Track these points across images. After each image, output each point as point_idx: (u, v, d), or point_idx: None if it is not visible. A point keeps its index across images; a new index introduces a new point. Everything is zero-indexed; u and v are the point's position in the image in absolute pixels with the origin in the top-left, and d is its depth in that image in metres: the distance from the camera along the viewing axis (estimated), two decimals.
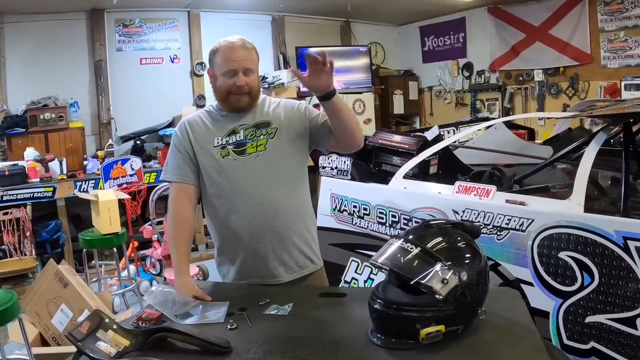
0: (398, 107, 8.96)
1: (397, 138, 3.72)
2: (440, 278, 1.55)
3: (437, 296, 1.53)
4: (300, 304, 1.92)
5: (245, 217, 2.19)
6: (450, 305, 1.54)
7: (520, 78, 7.79)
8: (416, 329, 1.53)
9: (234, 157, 2.20)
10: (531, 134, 5.09)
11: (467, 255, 1.65)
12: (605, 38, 6.76)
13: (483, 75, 8.26)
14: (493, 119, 6.23)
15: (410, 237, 1.69)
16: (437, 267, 1.57)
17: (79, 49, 6.79)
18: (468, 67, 8.47)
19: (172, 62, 7.37)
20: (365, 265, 3.44)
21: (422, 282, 1.55)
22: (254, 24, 7.84)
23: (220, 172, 2.20)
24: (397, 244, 1.67)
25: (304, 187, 2.34)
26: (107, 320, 1.66)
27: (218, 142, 2.23)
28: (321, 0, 7.45)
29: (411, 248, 1.63)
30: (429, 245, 1.64)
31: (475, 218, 2.95)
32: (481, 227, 2.87)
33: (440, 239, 1.67)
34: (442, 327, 1.53)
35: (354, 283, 3.49)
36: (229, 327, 1.76)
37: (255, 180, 2.19)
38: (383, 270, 1.74)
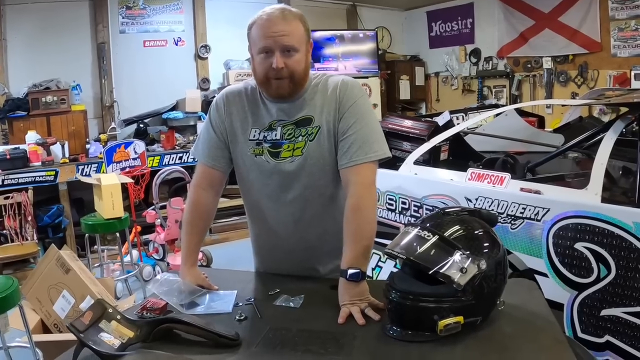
0: (404, 92, 8.91)
1: (408, 123, 3.66)
2: (459, 267, 1.48)
3: (455, 286, 1.46)
4: (312, 296, 1.85)
5: (274, 221, 2.02)
6: (469, 295, 1.48)
7: (529, 65, 7.70)
8: (434, 320, 1.46)
9: (267, 159, 1.93)
10: (541, 122, 5.03)
11: (485, 244, 1.57)
12: (616, 27, 6.67)
13: (491, 62, 8.18)
14: (502, 105, 6.16)
15: (427, 224, 1.61)
16: (456, 255, 1.49)
17: (82, 31, 6.70)
18: (475, 53, 8.38)
19: (176, 44, 7.25)
20: (374, 252, 3.37)
21: (440, 271, 1.48)
22: (260, 7, 7.66)
23: (252, 171, 1.97)
24: (413, 232, 1.60)
25: (342, 191, 1.97)
26: (110, 310, 1.57)
27: (254, 136, 1.95)
28: None
29: (428, 236, 1.56)
30: (447, 233, 1.56)
31: (489, 206, 2.88)
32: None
33: (458, 226, 1.59)
34: (460, 319, 1.46)
35: None
36: (237, 317, 1.69)
37: (288, 189, 1.94)
38: (396, 260, 1.67)
